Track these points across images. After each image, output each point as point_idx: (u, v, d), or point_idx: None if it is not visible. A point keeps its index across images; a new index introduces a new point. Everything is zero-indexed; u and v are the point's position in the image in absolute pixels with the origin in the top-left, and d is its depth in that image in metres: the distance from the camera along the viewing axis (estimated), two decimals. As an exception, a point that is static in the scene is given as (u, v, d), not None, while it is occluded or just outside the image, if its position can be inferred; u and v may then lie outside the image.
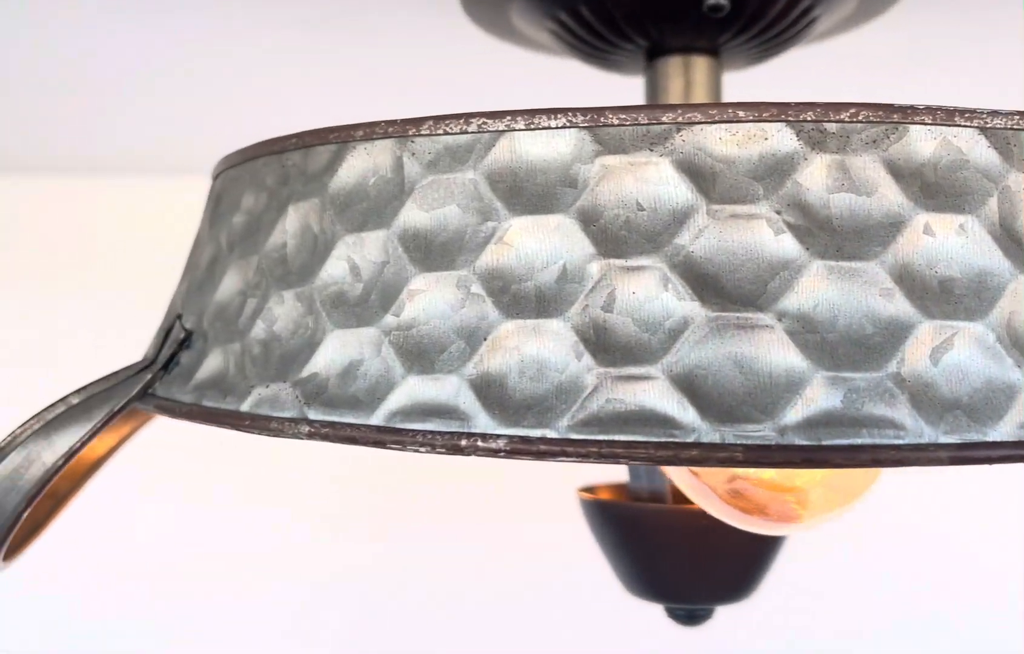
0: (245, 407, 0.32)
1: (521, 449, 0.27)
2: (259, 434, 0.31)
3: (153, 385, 0.36)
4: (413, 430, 0.28)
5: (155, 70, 0.72)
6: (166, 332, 0.38)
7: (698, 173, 0.28)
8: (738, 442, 0.26)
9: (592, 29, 0.48)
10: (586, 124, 0.29)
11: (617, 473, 0.53)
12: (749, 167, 0.28)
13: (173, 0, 0.59)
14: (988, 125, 0.28)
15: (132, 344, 0.52)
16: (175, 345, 0.36)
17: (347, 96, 0.79)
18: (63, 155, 1.05)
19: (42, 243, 1.17)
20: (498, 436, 0.27)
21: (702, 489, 0.38)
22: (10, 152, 1.04)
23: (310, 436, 0.29)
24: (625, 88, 0.56)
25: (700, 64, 0.49)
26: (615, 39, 0.48)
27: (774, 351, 0.27)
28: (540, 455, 0.27)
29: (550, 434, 0.27)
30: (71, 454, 0.36)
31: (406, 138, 0.31)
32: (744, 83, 0.53)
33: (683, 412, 0.26)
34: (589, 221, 0.28)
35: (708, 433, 0.26)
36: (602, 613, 1.06)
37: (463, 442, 0.27)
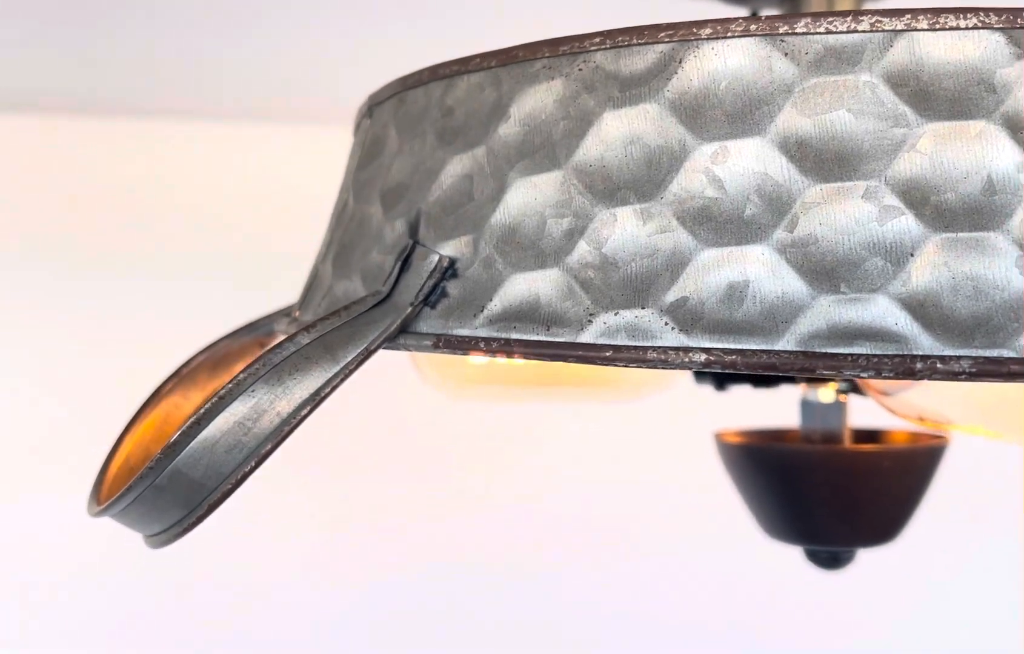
0: (587, 337, 0.28)
1: (990, 370, 0.25)
2: (628, 365, 0.27)
3: (412, 321, 0.32)
4: (847, 354, 0.25)
5: None
6: (402, 261, 0.33)
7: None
8: None
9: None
10: (1000, 26, 0.27)
11: (751, 418, 0.51)
12: None
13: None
14: None
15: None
16: (438, 274, 0.31)
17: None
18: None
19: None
20: (960, 358, 0.25)
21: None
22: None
23: (708, 365, 0.26)
24: None
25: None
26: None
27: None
28: (1011, 376, 0.25)
29: (1009, 353, 0.25)
30: (318, 400, 0.31)
31: (775, 36, 0.28)
32: None
33: None
34: (1016, 128, 0.26)
35: None
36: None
37: (918, 365, 0.25)
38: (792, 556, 0.50)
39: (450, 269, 0.32)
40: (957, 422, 0.44)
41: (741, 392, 0.53)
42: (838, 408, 0.47)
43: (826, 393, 0.47)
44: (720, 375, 0.50)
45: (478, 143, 0.32)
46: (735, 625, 1.06)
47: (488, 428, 1.05)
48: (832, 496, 0.45)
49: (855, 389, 0.46)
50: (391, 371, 0.62)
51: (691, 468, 0.84)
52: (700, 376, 0.50)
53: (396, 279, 0.33)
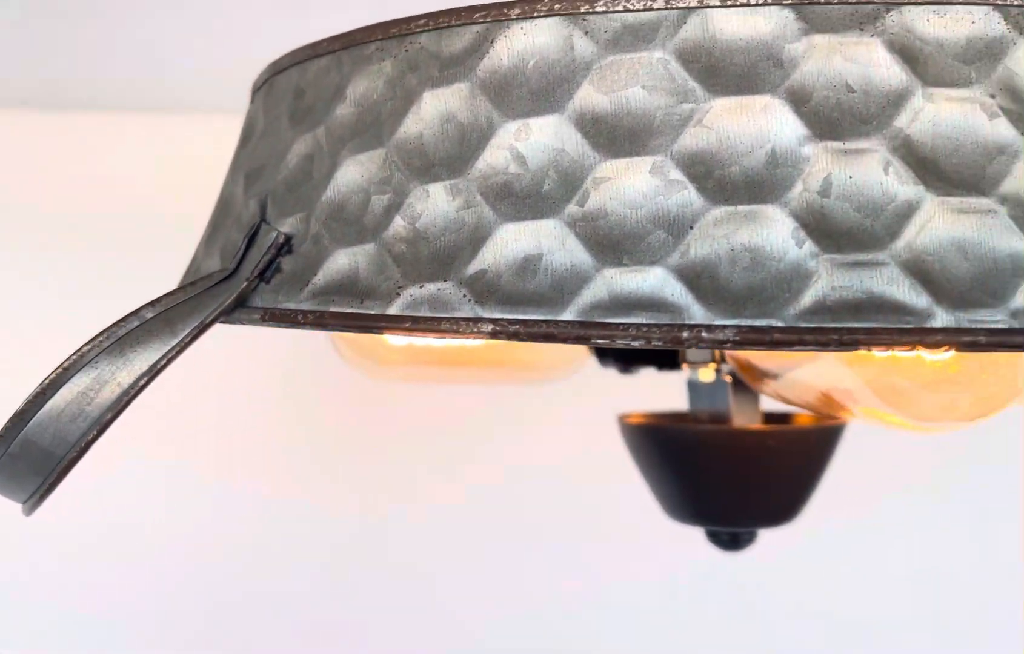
0: (394, 309, 0.29)
1: (753, 338, 0.25)
2: (424, 335, 0.28)
3: (249, 295, 0.33)
4: (621, 323, 0.26)
5: None
6: (249, 239, 0.34)
7: (910, 55, 0.27)
8: (979, 326, 0.25)
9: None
10: (790, 2, 0.27)
11: (654, 401, 0.52)
12: (958, 50, 0.27)
13: None
14: None
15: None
16: (273, 250, 0.32)
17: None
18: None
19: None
20: (723, 326, 0.25)
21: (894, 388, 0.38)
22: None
23: (494, 335, 0.27)
24: None
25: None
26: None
27: (999, 237, 0.26)
28: (775, 344, 0.25)
29: (777, 323, 0.25)
30: (154, 372, 0.32)
31: (577, 15, 0.28)
32: None
33: (917, 298, 0.25)
34: (800, 102, 0.27)
35: (945, 317, 0.25)
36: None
37: (684, 334, 0.25)
38: (694, 538, 0.50)
39: (285, 245, 0.33)
40: (856, 408, 0.45)
41: (658, 376, 0.53)
42: (722, 388, 0.47)
43: (707, 373, 0.47)
44: (623, 357, 0.51)
45: (319, 124, 0.33)
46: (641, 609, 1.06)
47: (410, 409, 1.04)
48: (723, 476, 0.46)
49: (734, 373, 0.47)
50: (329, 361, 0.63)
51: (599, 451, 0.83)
52: (603, 358, 0.51)
53: (242, 256, 0.34)
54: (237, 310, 0.33)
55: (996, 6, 0.27)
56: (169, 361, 0.32)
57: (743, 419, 0.46)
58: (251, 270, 0.33)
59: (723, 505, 0.47)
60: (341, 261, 0.31)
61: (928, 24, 0.27)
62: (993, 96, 0.27)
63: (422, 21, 0.31)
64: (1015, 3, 0.27)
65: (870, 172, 0.26)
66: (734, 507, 0.47)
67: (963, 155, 0.26)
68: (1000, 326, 0.25)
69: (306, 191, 0.33)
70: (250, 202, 0.35)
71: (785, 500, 0.47)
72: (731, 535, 0.47)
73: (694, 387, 0.49)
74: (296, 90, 0.35)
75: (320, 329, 0.30)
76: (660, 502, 0.48)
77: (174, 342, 0.32)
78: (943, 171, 0.26)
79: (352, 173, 0.31)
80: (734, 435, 0.46)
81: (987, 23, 0.27)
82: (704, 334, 0.25)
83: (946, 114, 0.27)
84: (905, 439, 0.53)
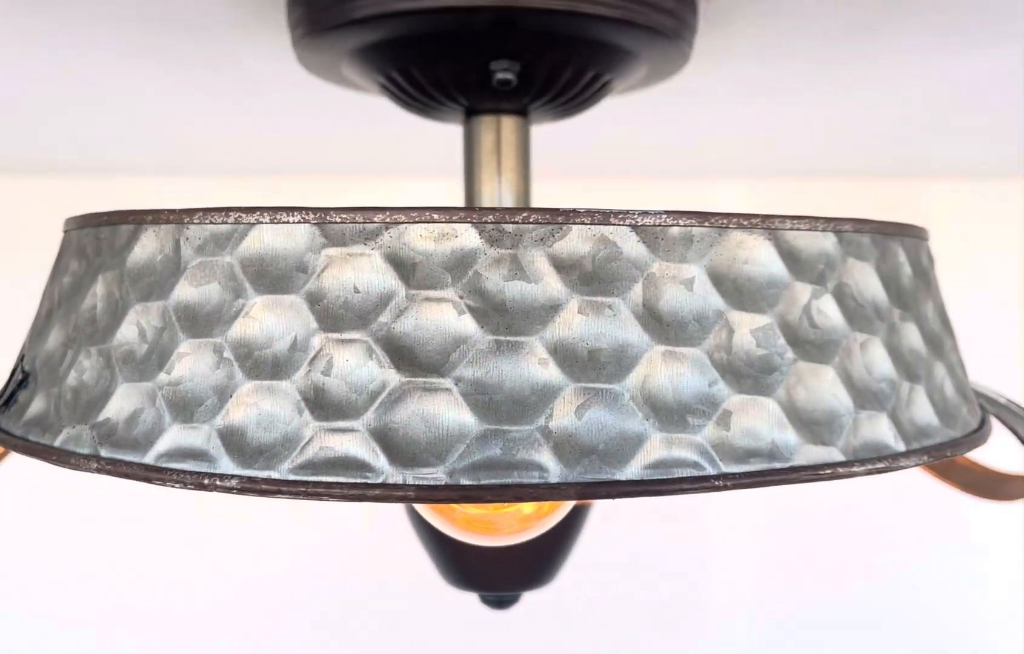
0: (57, 443, 0.39)
1: (249, 487, 0.34)
2: (62, 466, 0.37)
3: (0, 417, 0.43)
4: (172, 469, 0.35)
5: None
6: (12, 373, 0.44)
7: (401, 263, 0.35)
8: (414, 482, 0.33)
9: (417, 87, 0.55)
10: (315, 221, 0.35)
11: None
12: (442, 259, 0.35)
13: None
14: (639, 223, 0.35)
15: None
16: (16, 385, 0.43)
17: (191, 122, 0.86)
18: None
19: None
20: (232, 476, 0.34)
21: (439, 517, 0.46)
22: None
23: (98, 471, 0.36)
24: (447, 135, 0.62)
25: (509, 123, 0.55)
26: (437, 98, 0.55)
27: (450, 409, 0.34)
28: (263, 493, 0.34)
29: (274, 475, 0.34)
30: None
31: (183, 225, 0.38)
32: (555, 133, 0.60)
33: (375, 458, 0.33)
34: (315, 301, 0.35)
35: (393, 476, 0.33)
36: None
37: (205, 481, 0.34)
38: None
39: (24, 381, 0.43)
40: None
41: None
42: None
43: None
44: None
45: (56, 287, 0.43)
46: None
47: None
48: (484, 551, 0.53)
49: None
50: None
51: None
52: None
53: (8, 384, 0.44)
54: (-11, 429, 0.43)
55: (474, 223, 0.35)
56: (-63, 468, 0.43)
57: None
58: (5, 398, 0.43)
59: (484, 573, 0.54)
60: (42, 401, 0.41)
61: (420, 239, 0.35)
62: (462, 296, 0.34)
63: (104, 217, 0.41)
64: (489, 220, 0.35)
65: (359, 357, 0.34)
66: (496, 575, 0.54)
67: (433, 344, 0.34)
68: (433, 482, 0.33)
69: (41, 339, 0.43)
70: (25, 342, 0.46)
71: (537, 566, 0.54)
72: (496, 598, 0.55)
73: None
74: (59, 252, 0.45)
75: (17, 453, 0.40)
76: (437, 570, 0.56)
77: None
78: (416, 357, 0.34)
79: (59, 331, 0.41)
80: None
81: (466, 237, 0.35)
82: (218, 482, 0.34)
83: (424, 311, 0.34)
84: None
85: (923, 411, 0.41)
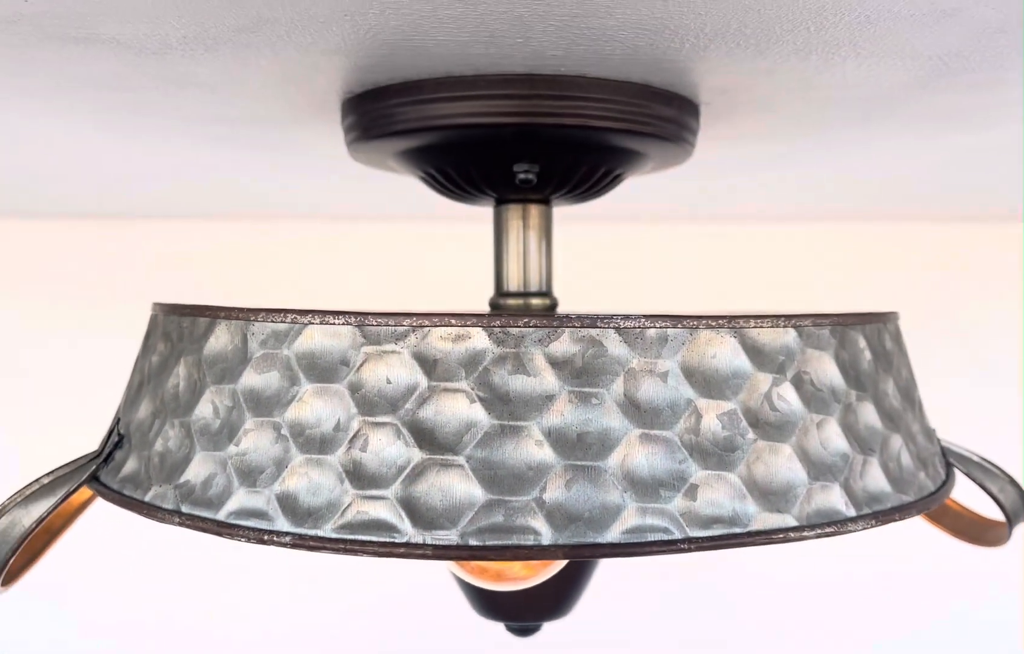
0: (146, 498, 0.47)
1: (299, 543, 0.42)
2: (150, 518, 0.46)
3: (98, 473, 0.52)
4: (239, 525, 0.43)
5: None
6: (109, 433, 0.53)
7: (425, 360, 0.42)
8: (431, 542, 0.41)
9: (451, 181, 0.62)
10: (356, 323, 0.43)
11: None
12: (458, 357, 0.42)
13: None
14: (621, 326, 0.42)
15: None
16: (113, 445, 0.52)
17: (247, 202, 0.95)
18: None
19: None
20: (286, 534, 0.42)
21: (456, 566, 0.54)
22: None
23: (180, 524, 0.45)
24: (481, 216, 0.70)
25: (533, 209, 0.63)
26: (469, 191, 0.63)
27: (462, 482, 0.41)
28: (311, 548, 0.42)
29: (320, 533, 0.42)
30: (41, 520, 0.52)
31: (249, 322, 0.46)
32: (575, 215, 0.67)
33: (401, 522, 0.41)
34: (355, 390, 0.43)
35: (415, 536, 0.41)
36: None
37: (265, 536, 0.42)
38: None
39: (120, 443, 0.51)
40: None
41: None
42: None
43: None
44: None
45: (146, 363, 0.52)
46: None
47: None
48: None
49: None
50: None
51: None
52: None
53: (106, 443, 0.53)
54: (91, 483, 0.52)
55: (484, 327, 0.42)
56: (50, 513, 0.52)
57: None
58: (104, 456, 0.52)
59: (511, 606, 0.62)
60: (134, 461, 0.49)
61: (441, 340, 0.43)
62: (473, 388, 0.42)
63: (188, 309, 0.49)
64: (496, 325, 0.42)
65: (389, 438, 0.42)
66: (519, 608, 0.62)
67: (449, 428, 0.42)
68: (447, 543, 0.41)
69: (134, 408, 0.52)
70: (120, 408, 0.55)
71: (556, 600, 0.61)
72: (520, 627, 0.62)
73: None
74: (148, 331, 0.54)
75: (114, 504, 0.49)
76: (469, 603, 0.64)
77: (53, 500, 0.52)
78: (435, 438, 0.42)
79: (148, 403, 0.50)
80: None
81: (478, 339, 0.42)
82: (275, 538, 0.42)
83: (442, 401, 0.42)
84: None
85: (876, 480, 0.47)
